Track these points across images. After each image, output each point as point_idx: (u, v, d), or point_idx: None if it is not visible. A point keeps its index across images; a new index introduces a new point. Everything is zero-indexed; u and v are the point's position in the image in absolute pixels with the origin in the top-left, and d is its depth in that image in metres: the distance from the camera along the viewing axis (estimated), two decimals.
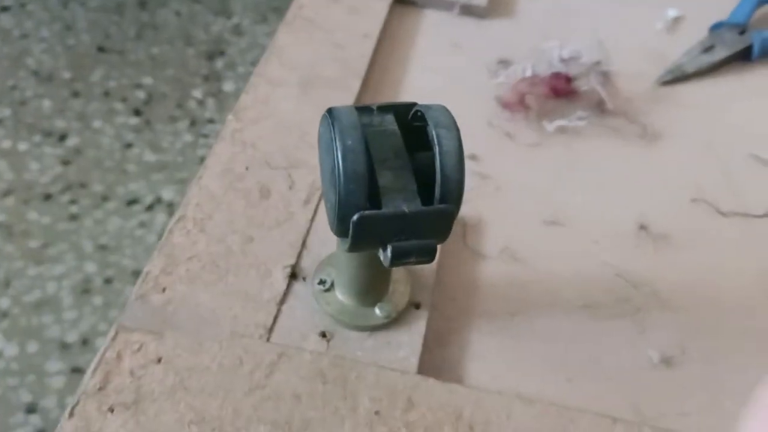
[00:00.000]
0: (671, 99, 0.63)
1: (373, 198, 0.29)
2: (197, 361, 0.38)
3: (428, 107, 0.31)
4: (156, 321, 0.40)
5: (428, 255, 0.30)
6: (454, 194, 0.29)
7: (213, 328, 0.40)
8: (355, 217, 0.28)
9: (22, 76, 1.69)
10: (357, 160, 0.28)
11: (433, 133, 0.30)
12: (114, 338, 0.38)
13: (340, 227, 0.29)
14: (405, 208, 0.28)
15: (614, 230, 0.51)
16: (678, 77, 0.65)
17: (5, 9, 1.90)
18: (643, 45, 0.68)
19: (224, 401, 0.36)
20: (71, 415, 0.35)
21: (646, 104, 0.61)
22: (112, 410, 0.35)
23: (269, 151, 0.51)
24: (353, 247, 0.30)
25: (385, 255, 0.29)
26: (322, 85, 0.57)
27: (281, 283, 0.42)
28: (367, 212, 0.28)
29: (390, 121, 0.30)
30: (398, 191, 0.28)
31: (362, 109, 0.30)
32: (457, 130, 0.31)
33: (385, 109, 0.30)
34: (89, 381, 0.37)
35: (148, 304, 0.40)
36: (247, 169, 0.49)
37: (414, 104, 0.31)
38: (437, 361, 0.41)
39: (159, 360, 0.38)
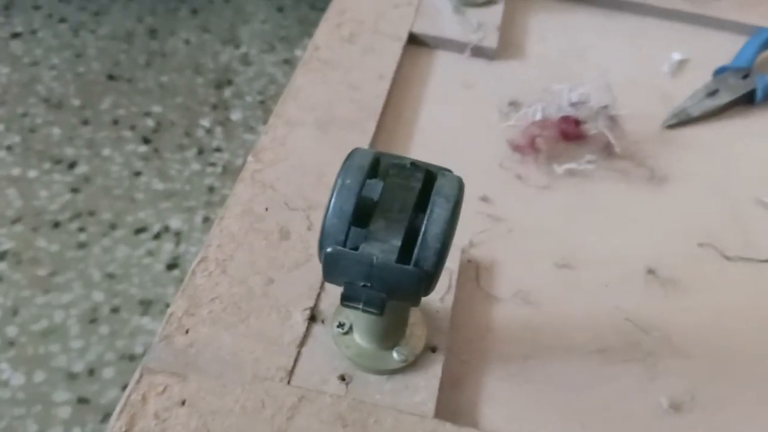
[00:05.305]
0: (677, 142, 0.64)
1: (361, 240, 0.30)
2: (221, 404, 0.39)
3: (444, 174, 0.32)
4: (179, 363, 0.41)
5: (375, 307, 0.31)
6: (430, 261, 0.29)
7: (235, 370, 0.41)
8: (328, 249, 0.29)
9: (32, 103, 1.71)
10: (348, 198, 0.29)
11: (432, 199, 0.31)
12: (138, 381, 0.39)
13: (319, 256, 0.31)
14: (375, 258, 0.29)
15: (624, 273, 0.52)
16: (683, 120, 0.66)
17: (16, 36, 1.93)
18: (650, 87, 0.70)
19: None
20: None
21: (653, 147, 0.63)
22: None
23: (288, 193, 0.52)
24: (326, 278, 0.31)
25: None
26: (339, 126, 0.58)
27: (301, 326, 0.43)
28: (339, 248, 0.29)
29: (416, 178, 0.31)
30: (382, 241, 0.30)
31: (395, 159, 0.32)
32: (456, 203, 0.31)
33: (418, 166, 0.31)
34: (115, 423, 0.37)
35: (172, 345, 0.41)
36: (266, 210, 0.50)
37: (447, 170, 0.32)
38: (453, 404, 0.42)
39: (183, 402, 0.39)
